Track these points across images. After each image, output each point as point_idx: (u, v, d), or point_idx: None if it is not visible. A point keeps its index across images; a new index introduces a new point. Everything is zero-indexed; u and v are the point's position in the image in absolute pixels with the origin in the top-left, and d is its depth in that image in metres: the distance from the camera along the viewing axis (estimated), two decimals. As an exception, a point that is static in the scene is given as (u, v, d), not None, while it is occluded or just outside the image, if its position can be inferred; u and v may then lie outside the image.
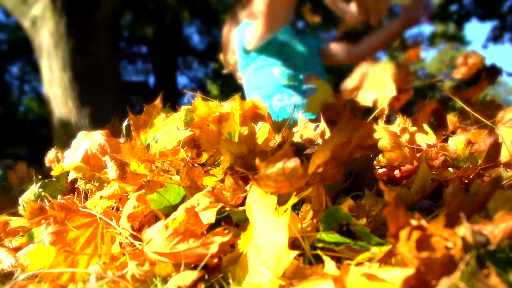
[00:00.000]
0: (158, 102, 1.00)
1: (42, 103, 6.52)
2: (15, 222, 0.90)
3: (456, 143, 0.79)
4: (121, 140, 1.02)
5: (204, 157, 0.77)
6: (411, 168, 0.74)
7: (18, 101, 8.99)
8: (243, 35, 1.77)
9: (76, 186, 0.92)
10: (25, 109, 9.19)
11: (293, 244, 0.49)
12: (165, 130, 0.87)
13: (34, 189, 0.97)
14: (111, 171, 0.73)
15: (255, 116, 0.89)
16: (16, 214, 0.98)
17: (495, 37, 7.56)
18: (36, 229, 0.74)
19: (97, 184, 0.86)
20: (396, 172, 0.77)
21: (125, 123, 1.03)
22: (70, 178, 0.93)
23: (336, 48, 1.94)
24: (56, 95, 3.96)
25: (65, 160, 0.89)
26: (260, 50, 1.77)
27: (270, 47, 1.77)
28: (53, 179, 0.99)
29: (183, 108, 0.89)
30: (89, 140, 0.88)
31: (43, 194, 0.94)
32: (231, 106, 0.78)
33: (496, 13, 7.05)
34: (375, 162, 0.74)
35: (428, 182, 0.61)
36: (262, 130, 0.81)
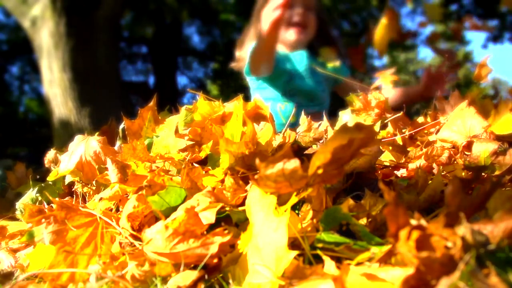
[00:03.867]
0: (152, 104, 0.99)
1: (42, 103, 6.52)
2: (13, 227, 0.90)
3: (481, 150, 0.76)
4: (118, 142, 1.01)
5: (203, 153, 0.77)
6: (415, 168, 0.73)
7: (18, 101, 8.98)
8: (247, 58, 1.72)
9: (74, 189, 0.91)
10: (25, 109, 9.19)
11: (293, 244, 0.49)
12: (162, 135, 0.86)
13: (31, 194, 0.96)
14: (112, 174, 0.73)
15: (257, 117, 0.88)
16: (13, 218, 0.98)
17: (495, 37, 7.56)
18: (36, 228, 0.74)
19: (94, 188, 0.86)
20: (402, 171, 0.76)
21: (121, 126, 1.03)
22: (67, 181, 0.93)
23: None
24: (56, 95, 3.96)
25: (61, 165, 0.88)
26: (266, 80, 1.73)
27: (276, 80, 1.72)
28: (50, 182, 0.98)
29: (183, 108, 0.88)
30: (85, 146, 0.86)
31: (40, 198, 0.94)
32: (234, 106, 0.78)
33: (496, 13, 7.05)
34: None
35: (439, 192, 0.60)
36: (264, 131, 0.81)
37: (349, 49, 1.96)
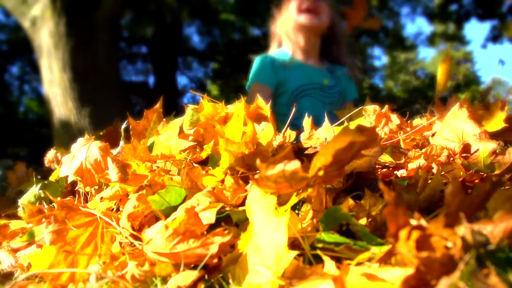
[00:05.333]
0: (158, 106, 0.99)
1: (42, 103, 6.52)
2: (14, 225, 0.90)
3: (480, 149, 0.75)
4: (121, 142, 1.02)
5: (204, 153, 0.77)
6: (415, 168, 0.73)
7: (18, 101, 8.98)
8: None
9: (76, 188, 0.91)
10: (25, 109, 9.19)
11: (293, 244, 0.49)
12: (165, 136, 0.86)
13: (34, 190, 0.96)
14: (113, 173, 0.73)
15: (258, 117, 0.88)
16: (14, 216, 0.98)
17: (495, 37, 7.57)
18: (36, 228, 0.74)
19: (96, 187, 0.86)
20: (402, 171, 0.76)
21: (124, 126, 1.03)
22: (69, 179, 0.93)
23: None
24: (56, 95, 3.96)
25: (62, 168, 0.88)
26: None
27: (281, 97, 1.73)
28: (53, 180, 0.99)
29: (190, 108, 0.88)
30: (86, 153, 0.84)
31: (42, 195, 0.94)
32: (235, 106, 0.78)
33: (495, 12, 7.05)
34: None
35: (438, 192, 0.60)
36: (265, 131, 0.81)
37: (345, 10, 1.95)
